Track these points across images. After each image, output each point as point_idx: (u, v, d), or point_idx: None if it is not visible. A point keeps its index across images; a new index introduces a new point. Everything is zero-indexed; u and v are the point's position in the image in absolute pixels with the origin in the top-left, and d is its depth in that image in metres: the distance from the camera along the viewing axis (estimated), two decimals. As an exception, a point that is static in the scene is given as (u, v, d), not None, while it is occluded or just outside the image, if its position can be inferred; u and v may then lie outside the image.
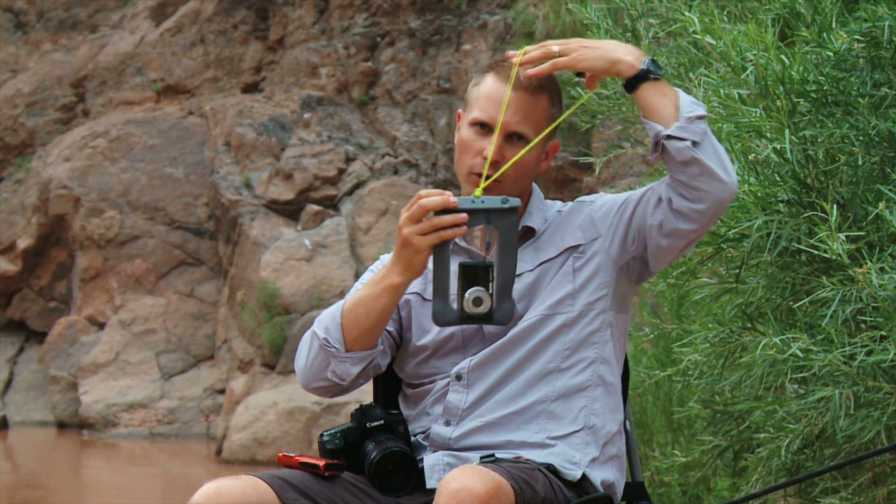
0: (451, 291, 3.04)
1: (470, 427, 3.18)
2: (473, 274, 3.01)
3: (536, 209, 3.30)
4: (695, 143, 3.01)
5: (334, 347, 3.16)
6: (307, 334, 3.24)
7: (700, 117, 3.02)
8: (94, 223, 16.02)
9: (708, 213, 3.06)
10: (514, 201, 3.01)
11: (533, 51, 3.10)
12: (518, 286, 3.17)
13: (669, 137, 3.01)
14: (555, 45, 3.08)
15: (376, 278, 3.14)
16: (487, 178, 3.14)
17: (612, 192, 3.33)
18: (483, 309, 3.01)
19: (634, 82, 3.05)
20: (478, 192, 3.07)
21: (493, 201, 3.01)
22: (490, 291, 3.01)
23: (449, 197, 3.01)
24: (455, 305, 3.02)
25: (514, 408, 3.17)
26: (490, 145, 3.17)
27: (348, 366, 3.18)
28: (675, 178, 3.05)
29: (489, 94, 3.22)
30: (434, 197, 3.01)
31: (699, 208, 3.04)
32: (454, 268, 3.04)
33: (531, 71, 3.10)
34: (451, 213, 3.01)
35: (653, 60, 3.05)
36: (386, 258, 3.35)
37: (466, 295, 3.00)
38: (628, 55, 3.06)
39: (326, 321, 3.18)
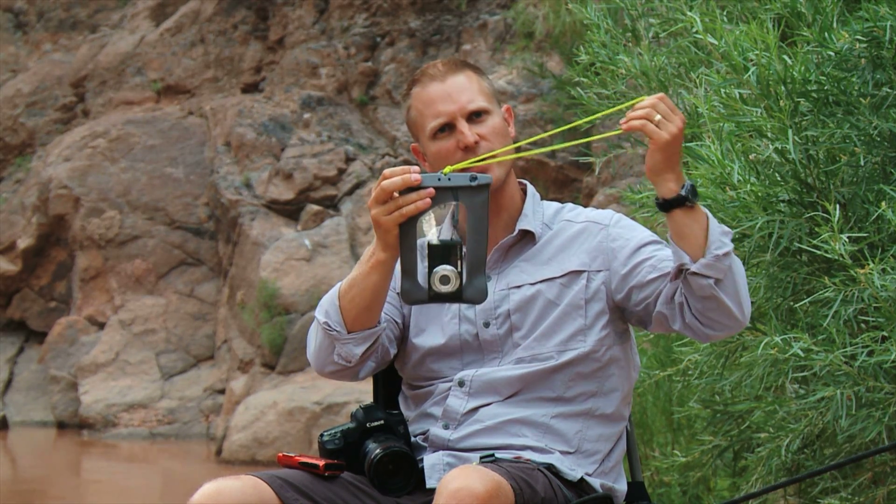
0: (421, 270, 2.99)
1: (469, 431, 3.19)
2: (441, 252, 2.94)
3: (532, 211, 3.29)
4: (717, 281, 3.00)
5: (336, 330, 3.16)
6: (314, 322, 3.24)
7: (727, 254, 2.99)
8: (94, 223, 16.01)
9: (715, 337, 3.11)
10: (485, 178, 2.95)
11: (640, 108, 2.97)
12: (516, 297, 3.19)
13: (694, 274, 3.00)
14: (658, 114, 2.95)
15: (364, 258, 3.13)
16: (480, 160, 3.11)
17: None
18: (451, 287, 2.94)
19: (669, 206, 3.00)
20: (447, 169, 3.00)
21: (461, 178, 2.95)
22: (459, 270, 2.94)
23: (412, 175, 2.96)
24: (424, 284, 2.96)
25: (514, 417, 3.18)
26: (461, 132, 3.18)
27: (351, 347, 3.17)
28: (690, 301, 3.05)
29: (429, 99, 3.23)
30: (395, 178, 2.97)
31: (708, 333, 3.08)
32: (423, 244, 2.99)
33: (624, 122, 2.99)
34: (416, 190, 2.95)
35: (692, 186, 3.00)
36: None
37: (433, 273, 2.95)
38: (672, 180, 2.99)
39: (326, 305, 3.19)
